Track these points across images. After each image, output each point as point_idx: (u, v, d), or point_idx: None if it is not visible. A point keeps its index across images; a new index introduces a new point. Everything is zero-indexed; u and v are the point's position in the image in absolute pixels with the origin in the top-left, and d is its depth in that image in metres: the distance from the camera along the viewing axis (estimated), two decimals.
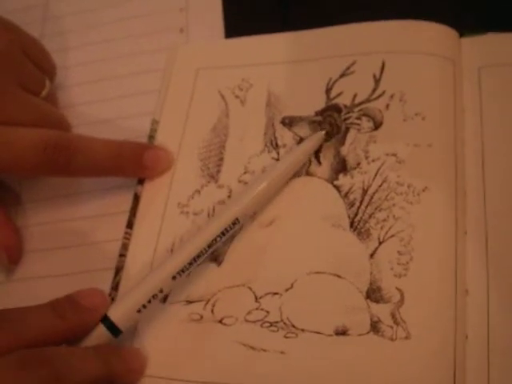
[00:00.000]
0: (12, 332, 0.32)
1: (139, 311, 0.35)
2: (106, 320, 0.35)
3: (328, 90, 0.42)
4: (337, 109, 0.41)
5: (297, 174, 0.40)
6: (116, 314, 0.35)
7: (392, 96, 0.41)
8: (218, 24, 0.48)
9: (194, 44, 0.48)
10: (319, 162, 0.40)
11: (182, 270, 0.36)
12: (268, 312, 0.36)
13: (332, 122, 0.41)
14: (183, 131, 0.44)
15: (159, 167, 0.42)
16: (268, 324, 0.36)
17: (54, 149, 0.40)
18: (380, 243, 0.37)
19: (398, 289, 0.35)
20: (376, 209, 0.38)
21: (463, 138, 0.39)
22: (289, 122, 0.42)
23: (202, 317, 0.37)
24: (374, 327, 0.34)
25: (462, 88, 0.41)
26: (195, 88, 0.45)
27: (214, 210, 0.40)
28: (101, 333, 0.35)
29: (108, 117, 0.47)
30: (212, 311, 0.37)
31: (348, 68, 0.43)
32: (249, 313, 0.36)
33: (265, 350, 0.35)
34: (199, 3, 0.50)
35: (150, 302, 0.35)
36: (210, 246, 0.37)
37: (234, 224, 0.37)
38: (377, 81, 0.41)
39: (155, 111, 0.45)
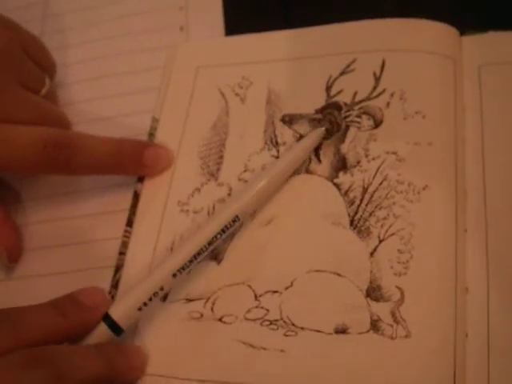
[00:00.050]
0: (13, 331, 0.32)
1: (140, 309, 0.35)
2: (107, 318, 0.35)
3: (328, 88, 0.42)
4: (337, 107, 0.41)
5: (297, 172, 0.40)
6: (117, 312, 0.35)
7: (392, 94, 0.41)
8: (218, 23, 0.48)
9: (194, 42, 0.48)
10: (319, 160, 0.40)
11: (183, 268, 0.36)
12: (268, 310, 0.36)
13: (332, 119, 0.41)
14: (183, 129, 0.44)
15: (159, 165, 0.42)
16: (268, 322, 0.36)
17: (53, 147, 0.40)
18: (380, 241, 0.37)
19: (398, 287, 0.35)
20: (376, 207, 0.38)
21: (463, 137, 0.39)
22: (289, 120, 0.42)
23: (201, 315, 0.37)
24: (374, 326, 0.34)
25: (463, 86, 0.41)
26: (195, 86, 0.45)
27: (214, 208, 0.40)
28: (102, 331, 0.35)
29: (108, 114, 0.46)
30: (212, 309, 0.37)
31: (348, 66, 0.42)
32: (249, 311, 0.36)
33: (265, 349, 0.35)
34: (199, 2, 0.50)
35: (150, 299, 0.35)
36: (210, 244, 0.37)
37: (234, 221, 0.37)
38: (377, 79, 0.41)
39: (155, 109, 0.45)
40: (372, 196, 0.38)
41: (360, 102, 0.41)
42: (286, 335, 0.35)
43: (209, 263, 0.38)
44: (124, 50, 0.49)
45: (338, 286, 0.36)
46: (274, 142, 0.41)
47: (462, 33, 0.43)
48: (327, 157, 0.40)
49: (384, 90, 0.41)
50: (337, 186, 0.39)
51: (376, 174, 0.39)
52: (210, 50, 0.47)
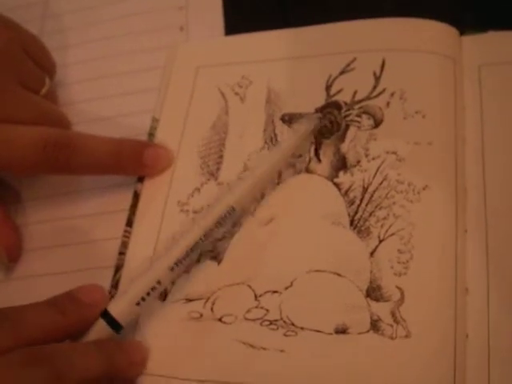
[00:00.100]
0: (12, 330, 0.32)
1: (138, 304, 0.35)
2: (105, 315, 0.35)
3: (328, 87, 0.42)
4: (337, 106, 0.41)
5: (297, 172, 0.40)
6: (115, 308, 0.35)
7: (392, 94, 0.41)
8: (217, 23, 0.48)
9: (194, 42, 0.48)
10: (319, 160, 0.40)
11: (180, 261, 0.36)
12: (268, 310, 0.36)
13: (332, 119, 0.41)
14: (183, 129, 0.43)
15: (159, 165, 0.42)
16: (268, 322, 0.36)
17: (53, 147, 0.40)
18: (380, 241, 0.37)
19: (398, 287, 0.35)
20: (376, 207, 0.38)
21: (463, 136, 0.39)
22: (288, 119, 0.42)
23: (201, 315, 0.37)
24: (374, 326, 0.34)
25: (463, 86, 0.41)
26: (195, 86, 0.45)
27: None
28: (101, 328, 0.35)
29: (108, 114, 0.46)
30: (212, 309, 0.37)
31: (348, 65, 0.42)
32: (248, 311, 0.36)
33: (264, 349, 0.35)
34: (199, 2, 0.50)
35: (148, 294, 0.35)
36: (206, 236, 0.36)
37: (229, 213, 0.37)
38: (377, 78, 0.41)
39: (155, 109, 0.45)
40: (372, 196, 0.38)
41: (360, 101, 0.41)
42: (286, 335, 0.35)
43: (209, 263, 0.38)
44: (124, 50, 0.49)
45: (337, 286, 0.36)
46: (273, 141, 0.41)
47: (462, 33, 0.43)
48: (327, 156, 0.40)
49: (384, 90, 0.41)
50: (337, 185, 0.39)
51: (376, 173, 0.39)
52: (209, 50, 0.47)
